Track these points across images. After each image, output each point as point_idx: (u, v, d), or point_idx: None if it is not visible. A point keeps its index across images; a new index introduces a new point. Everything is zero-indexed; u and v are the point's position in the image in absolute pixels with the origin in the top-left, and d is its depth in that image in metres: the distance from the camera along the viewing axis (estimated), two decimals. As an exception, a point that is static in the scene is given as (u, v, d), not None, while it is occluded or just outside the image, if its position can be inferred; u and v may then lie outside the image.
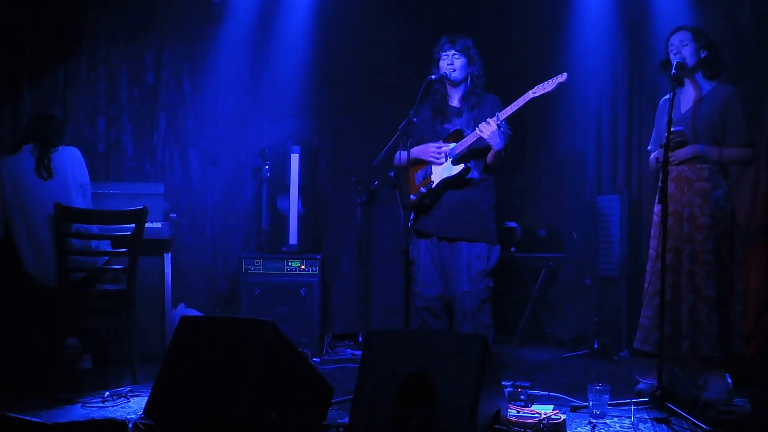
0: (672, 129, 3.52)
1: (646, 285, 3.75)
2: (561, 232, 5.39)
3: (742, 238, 4.30)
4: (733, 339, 3.57)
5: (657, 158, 3.76)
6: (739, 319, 3.58)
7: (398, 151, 4.03)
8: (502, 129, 3.85)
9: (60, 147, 4.11)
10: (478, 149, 3.95)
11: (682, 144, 3.65)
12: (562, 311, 5.40)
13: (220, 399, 2.84)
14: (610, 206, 5.07)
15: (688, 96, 3.76)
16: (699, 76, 3.72)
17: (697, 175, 3.63)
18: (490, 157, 3.96)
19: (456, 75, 4.04)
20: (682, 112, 3.72)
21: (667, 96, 3.87)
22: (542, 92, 3.70)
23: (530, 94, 3.73)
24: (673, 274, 3.61)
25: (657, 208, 3.76)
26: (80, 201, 4.11)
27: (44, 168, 4.01)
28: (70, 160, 4.11)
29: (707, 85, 3.72)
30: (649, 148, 4.03)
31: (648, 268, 3.78)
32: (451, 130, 4.02)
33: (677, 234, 3.63)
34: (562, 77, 3.65)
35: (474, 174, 3.98)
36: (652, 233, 3.81)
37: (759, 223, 4.55)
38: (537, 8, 5.40)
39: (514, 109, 3.78)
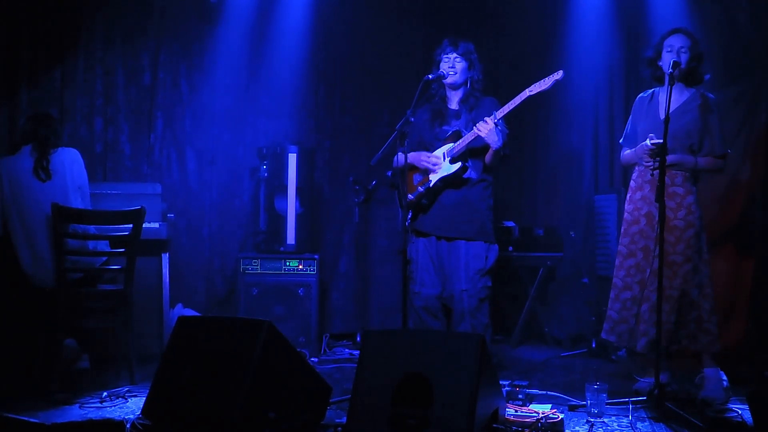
0: (654, 140, 3.55)
1: (614, 279, 3.82)
2: (558, 231, 5.38)
3: (715, 238, 4.30)
4: (702, 336, 3.62)
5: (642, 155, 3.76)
6: (708, 318, 3.63)
7: (397, 153, 4.03)
8: (499, 127, 3.87)
9: (59, 148, 4.11)
10: (477, 148, 3.96)
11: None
12: (559, 310, 5.40)
13: (217, 399, 2.84)
14: (607, 205, 5.07)
15: (667, 102, 3.76)
16: (681, 83, 3.74)
17: (670, 180, 3.67)
18: (488, 156, 3.98)
19: (456, 78, 4.05)
20: (661, 117, 3.71)
21: (644, 93, 3.92)
22: (538, 90, 3.72)
23: (526, 93, 3.76)
24: (641, 272, 3.71)
25: (629, 207, 3.83)
26: (78, 202, 4.10)
27: (42, 169, 4.01)
28: (69, 161, 4.10)
29: (686, 93, 3.76)
30: (620, 141, 4.04)
31: (617, 263, 3.84)
32: (450, 132, 4.02)
33: (648, 235, 3.71)
34: (558, 75, 3.68)
35: (472, 173, 3.99)
36: (622, 230, 3.85)
37: (732, 220, 4.54)
38: (534, 7, 5.40)
39: (510, 108, 3.80)
